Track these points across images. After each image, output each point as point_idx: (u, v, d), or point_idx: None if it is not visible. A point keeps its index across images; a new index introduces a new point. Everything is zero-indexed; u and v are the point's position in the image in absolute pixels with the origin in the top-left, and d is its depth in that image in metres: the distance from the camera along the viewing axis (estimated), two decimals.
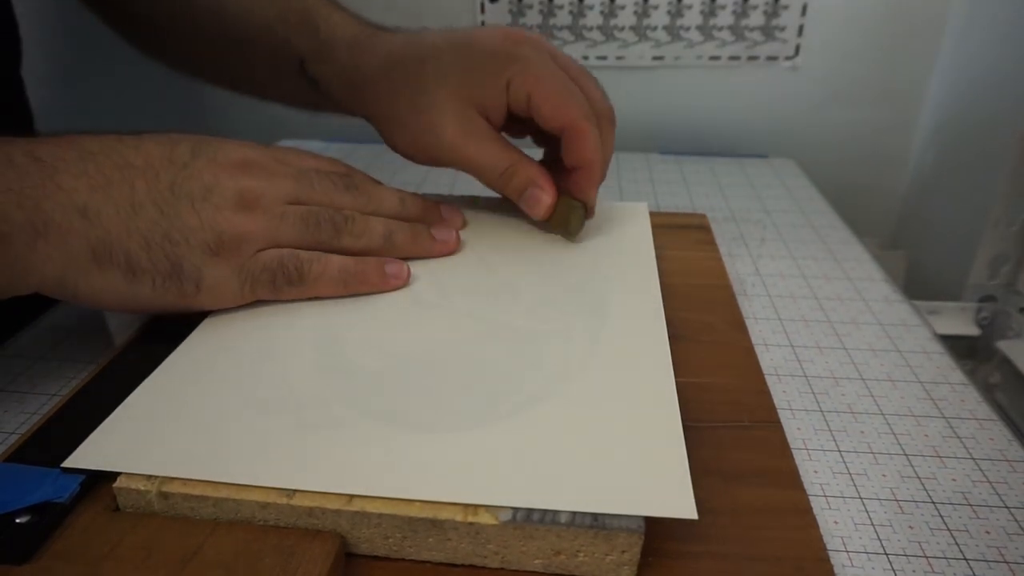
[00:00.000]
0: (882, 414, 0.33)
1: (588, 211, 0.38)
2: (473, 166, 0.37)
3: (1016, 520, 0.27)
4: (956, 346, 0.55)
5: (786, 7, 0.69)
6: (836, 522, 0.27)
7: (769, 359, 0.36)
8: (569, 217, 0.37)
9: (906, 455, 0.30)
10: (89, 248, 0.29)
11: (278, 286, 0.32)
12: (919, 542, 0.26)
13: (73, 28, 0.75)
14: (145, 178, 0.30)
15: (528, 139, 0.41)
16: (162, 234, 0.30)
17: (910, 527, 0.27)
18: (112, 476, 0.24)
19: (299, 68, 0.43)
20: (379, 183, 0.38)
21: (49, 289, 0.29)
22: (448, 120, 0.36)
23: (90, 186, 0.29)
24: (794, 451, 0.29)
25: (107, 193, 0.29)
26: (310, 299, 0.33)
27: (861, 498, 0.28)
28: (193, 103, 0.80)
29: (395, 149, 0.39)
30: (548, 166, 0.38)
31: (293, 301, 0.33)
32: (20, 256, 0.27)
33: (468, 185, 0.41)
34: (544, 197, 0.37)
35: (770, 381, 0.34)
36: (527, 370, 0.29)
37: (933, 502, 0.28)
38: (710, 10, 0.70)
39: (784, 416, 0.32)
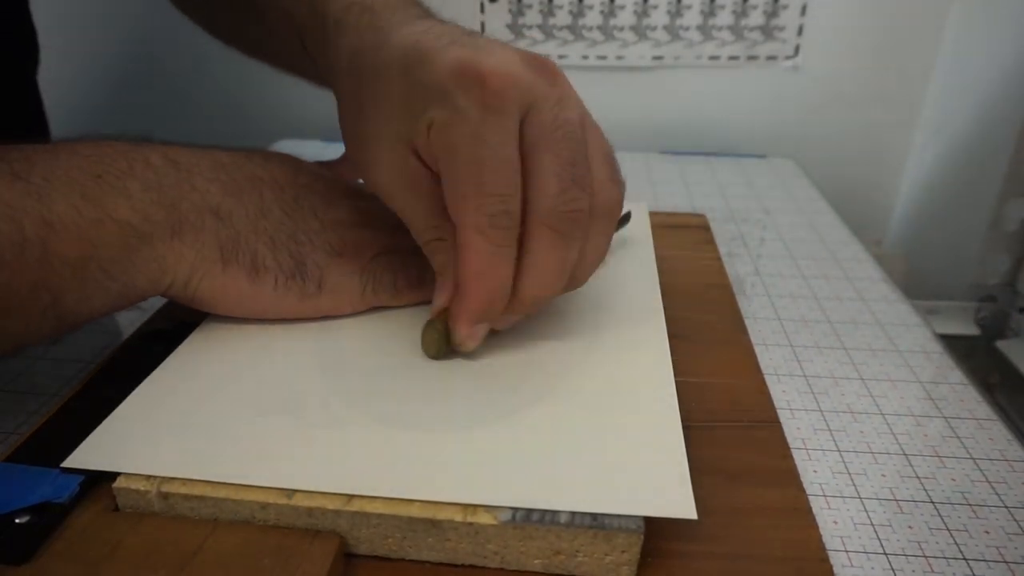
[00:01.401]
0: (881, 414, 0.33)
1: (460, 340, 0.29)
2: (403, 220, 0.30)
3: (1015, 520, 0.27)
4: (956, 346, 0.55)
5: (786, 7, 0.69)
6: (836, 522, 0.27)
7: (769, 359, 0.36)
8: (424, 331, 0.30)
9: (906, 455, 0.30)
10: (219, 247, 0.29)
11: (399, 289, 0.33)
12: (919, 542, 0.26)
13: (91, 35, 0.75)
14: (272, 189, 0.32)
15: None
16: (287, 234, 0.31)
17: (909, 527, 0.27)
18: (112, 476, 0.24)
19: (301, 42, 0.38)
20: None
21: (175, 291, 0.29)
22: (382, 160, 0.29)
23: (223, 190, 0.30)
24: (794, 451, 0.29)
25: (238, 197, 0.30)
26: None
27: (861, 498, 0.28)
28: (199, 106, 0.80)
29: None
30: None
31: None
32: (159, 255, 0.28)
33: None
34: (439, 297, 0.30)
35: (770, 381, 0.34)
36: (526, 370, 0.29)
37: (932, 502, 0.28)
38: (710, 10, 0.70)
39: (784, 416, 0.32)
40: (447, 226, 0.28)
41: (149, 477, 0.24)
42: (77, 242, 0.26)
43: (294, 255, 0.31)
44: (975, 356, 0.65)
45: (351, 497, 0.23)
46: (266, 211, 0.31)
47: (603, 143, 0.29)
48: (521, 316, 0.30)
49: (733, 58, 0.72)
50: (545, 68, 0.27)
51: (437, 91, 0.26)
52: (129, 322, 0.39)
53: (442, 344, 0.29)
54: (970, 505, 0.28)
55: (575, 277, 0.29)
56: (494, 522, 0.22)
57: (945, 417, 0.32)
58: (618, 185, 0.29)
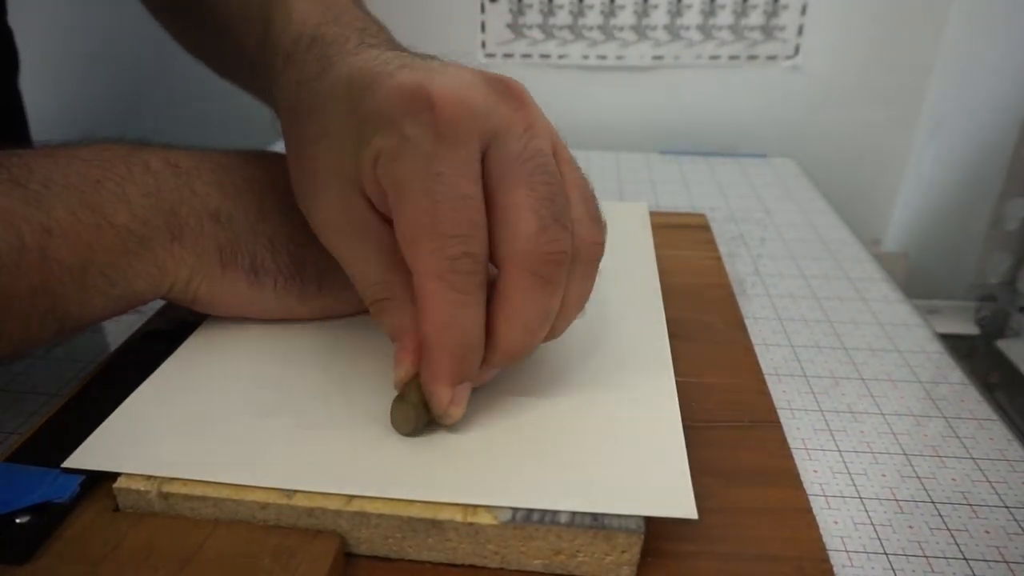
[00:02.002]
0: (882, 414, 0.33)
1: (441, 408, 0.25)
2: (345, 270, 0.27)
3: (1016, 520, 0.27)
4: (956, 346, 0.55)
5: (786, 7, 0.69)
6: (836, 522, 0.27)
7: (769, 359, 0.36)
8: (393, 408, 0.25)
9: (906, 455, 0.30)
10: (218, 250, 0.29)
11: None
12: (919, 542, 0.26)
13: (73, 37, 0.75)
14: (272, 191, 0.31)
15: None
16: (287, 236, 0.31)
17: (910, 527, 0.27)
18: (112, 476, 0.24)
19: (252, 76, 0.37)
20: None
21: (176, 293, 0.29)
22: (323, 201, 0.26)
23: (222, 194, 0.30)
24: (794, 451, 0.29)
25: (237, 201, 0.30)
26: None
27: (861, 498, 0.28)
28: (188, 109, 0.80)
29: None
30: None
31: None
32: (159, 260, 0.28)
33: None
34: (399, 366, 0.25)
35: (770, 381, 0.34)
36: (526, 371, 0.29)
37: (933, 502, 0.28)
38: (710, 10, 0.70)
39: (784, 416, 0.32)
40: (397, 283, 0.25)
41: (149, 477, 0.24)
42: (76, 248, 0.26)
43: (293, 257, 0.31)
44: (975, 356, 0.65)
45: (351, 497, 0.23)
46: (265, 214, 0.31)
47: (580, 176, 0.26)
48: (498, 370, 0.26)
49: (733, 58, 0.72)
50: (509, 92, 0.24)
51: (383, 119, 0.23)
52: (129, 322, 0.39)
53: (419, 417, 0.25)
54: (970, 505, 0.28)
55: (554, 327, 0.26)
56: (494, 522, 0.22)
57: (945, 417, 0.32)
58: (599, 224, 0.26)
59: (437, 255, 0.23)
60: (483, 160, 0.24)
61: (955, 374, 0.36)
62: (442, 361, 0.24)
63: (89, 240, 0.26)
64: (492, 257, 0.24)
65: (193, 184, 0.29)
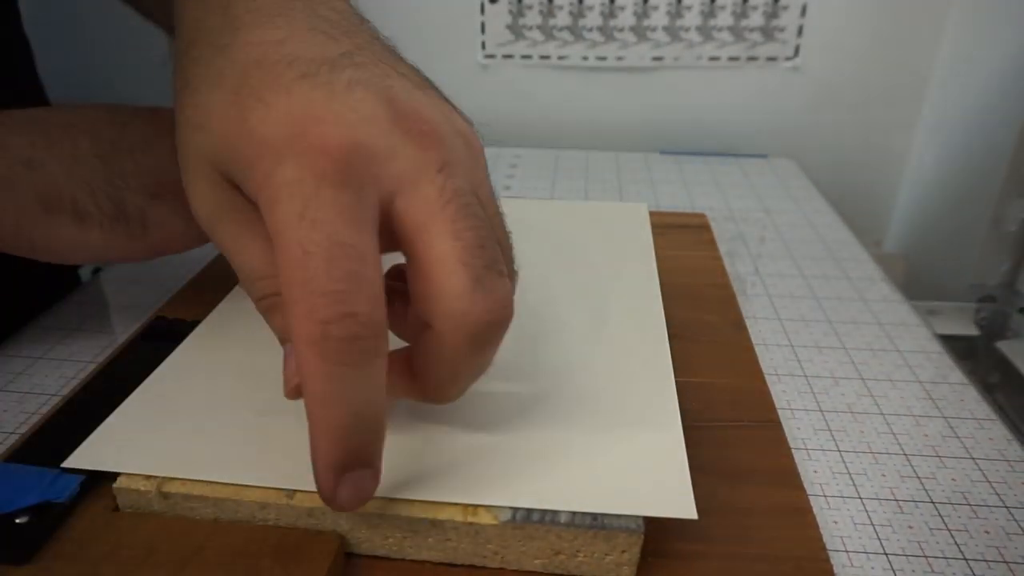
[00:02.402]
0: (882, 414, 0.33)
1: (327, 498, 0.21)
2: (228, 259, 0.24)
3: (1015, 520, 0.27)
4: (956, 346, 0.55)
5: (786, 7, 0.69)
6: (836, 522, 0.27)
7: (769, 359, 0.36)
8: None
9: (906, 455, 0.30)
10: (36, 196, 0.30)
11: None
12: (919, 542, 0.26)
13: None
14: (87, 135, 0.32)
15: None
16: (104, 179, 0.31)
17: (910, 527, 0.27)
18: (112, 476, 0.24)
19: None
20: None
21: (8, 242, 0.30)
22: (198, 186, 0.23)
23: (32, 143, 0.30)
24: (794, 451, 0.29)
25: (49, 149, 0.31)
26: None
27: (861, 498, 0.28)
28: None
29: None
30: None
31: None
32: None
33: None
34: (290, 372, 0.22)
35: (770, 381, 0.34)
36: (526, 370, 0.29)
37: (933, 502, 0.28)
38: (710, 11, 0.70)
39: (784, 416, 0.32)
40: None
41: (149, 477, 0.24)
42: None
43: (113, 199, 0.31)
44: (975, 356, 0.65)
45: None
46: (80, 158, 0.31)
47: (502, 222, 0.23)
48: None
49: (733, 59, 0.72)
50: (418, 129, 0.21)
51: (266, 147, 0.20)
52: (129, 322, 0.39)
53: None
54: (970, 505, 0.28)
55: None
56: (494, 522, 0.22)
57: (945, 417, 0.32)
58: (512, 279, 0.23)
59: (309, 318, 0.18)
60: (392, 212, 0.21)
61: (955, 374, 0.36)
62: (320, 444, 0.20)
63: None
64: (420, 314, 0.21)
65: (4, 139, 0.30)
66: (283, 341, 0.23)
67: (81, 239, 0.31)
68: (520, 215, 0.37)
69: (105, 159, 0.32)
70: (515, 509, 0.22)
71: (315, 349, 0.19)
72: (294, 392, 0.21)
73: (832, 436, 0.31)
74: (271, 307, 0.23)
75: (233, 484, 0.23)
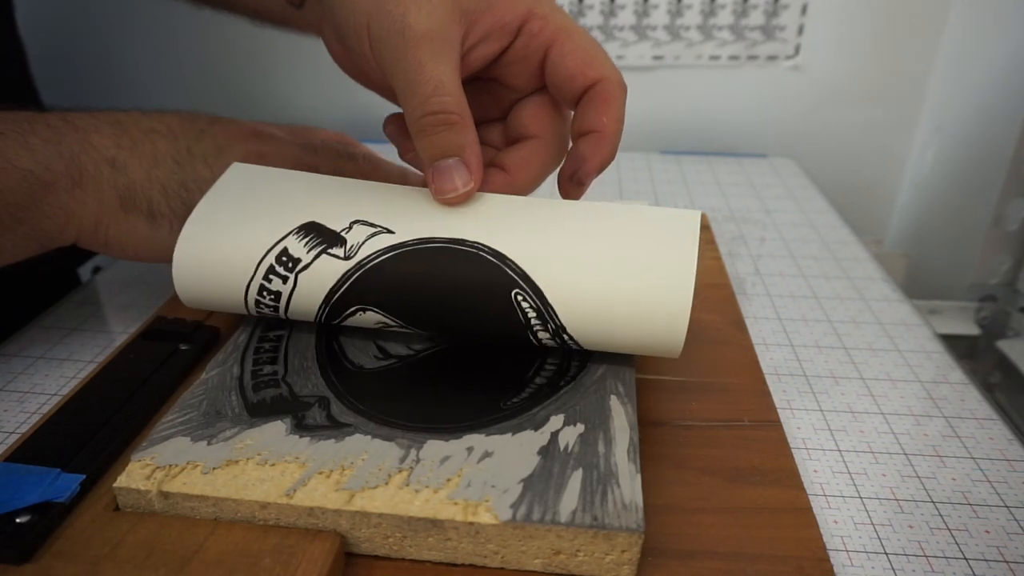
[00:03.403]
0: (882, 413, 0.33)
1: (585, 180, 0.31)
2: (410, 79, 0.28)
3: (1016, 519, 0.27)
4: (956, 346, 0.55)
5: (786, 7, 0.69)
6: (836, 522, 0.27)
7: (769, 359, 0.36)
8: None
9: (906, 454, 0.30)
10: (117, 195, 0.32)
11: None
12: (919, 541, 0.26)
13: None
14: (166, 140, 0.34)
15: None
16: (178, 183, 0.33)
17: (910, 526, 0.27)
18: (112, 476, 0.24)
19: None
20: (383, 159, 0.39)
21: (87, 237, 0.33)
22: (424, 10, 0.27)
23: (117, 144, 0.33)
24: (794, 451, 0.29)
25: (132, 150, 0.33)
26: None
27: (861, 497, 0.28)
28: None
29: (329, 44, 0.32)
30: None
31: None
32: (63, 203, 0.31)
33: None
34: (461, 181, 0.29)
35: (770, 381, 0.34)
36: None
37: (933, 501, 0.28)
38: (710, 10, 0.70)
39: (784, 416, 0.32)
40: (463, 105, 0.28)
41: (149, 477, 0.24)
42: None
43: (185, 202, 0.33)
44: (975, 356, 0.65)
45: (352, 496, 0.23)
46: (159, 161, 0.33)
47: None
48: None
49: (733, 58, 0.72)
50: None
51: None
52: (129, 322, 0.39)
53: None
54: (970, 505, 0.28)
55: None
56: (495, 521, 0.22)
57: (945, 417, 0.32)
58: None
59: (614, 66, 0.31)
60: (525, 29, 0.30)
61: (955, 374, 0.36)
62: (617, 143, 0.31)
63: None
64: (576, 84, 0.30)
65: (90, 137, 0.32)
66: (440, 154, 0.29)
67: (151, 238, 0.33)
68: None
69: (181, 163, 0.34)
70: (515, 508, 0.22)
71: (623, 85, 0.31)
72: (459, 199, 0.29)
73: (832, 436, 0.31)
74: (440, 123, 0.28)
75: (233, 484, 0.23)
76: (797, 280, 0.45)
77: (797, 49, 0.71)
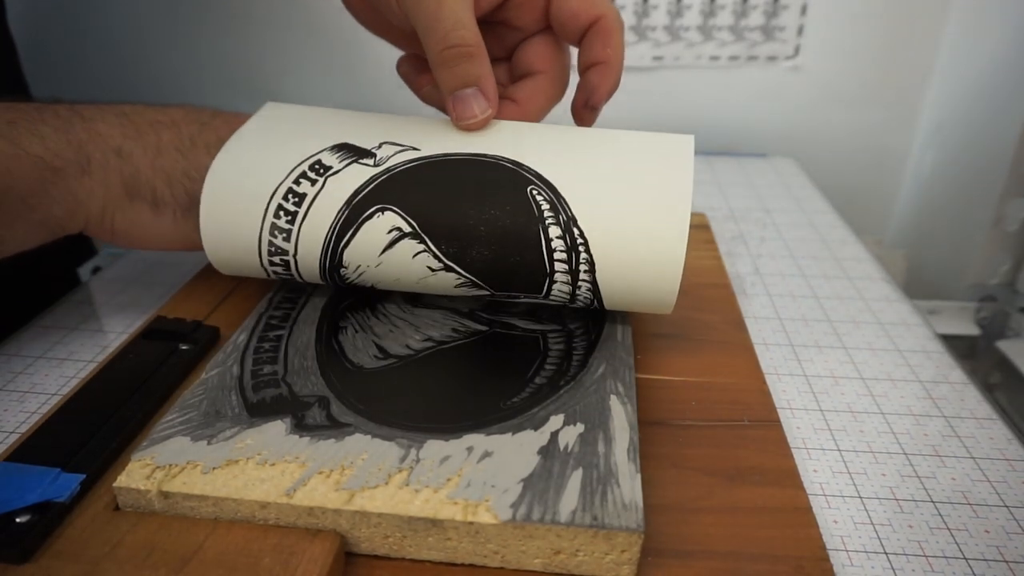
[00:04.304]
0: (882, 413, 0.33)
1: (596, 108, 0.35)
2: (431, 16, 0.31)
3: (1016, 519, 0.27)
4: (956, 346, 0.55)
5: (786, 7, 0.69)
6: (836, 521, 0.27)
7: (769, 359, 0.36)
8: None
9: (906, 454, 0.30)
10: (123, 183, 0.33)
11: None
12: (919, 541, 0.26)
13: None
14: (170, 130, 0.34)
15: None
16: (182, 172, 0.34)
17: (910, 526, 0.27)
18: (112, 475, 0.24)
19: None
20: None
21: (94, 225, 0.33)
22: None
23: (123, 134, 0.33)
24: (794, 450, 0.29)
25: (137, 140, 0.33)
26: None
27: (861, 497, 0.28)
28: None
29: None
30: None
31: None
32: (72, 190, 0.32)
33: None
34: (479, 108, 0.32)
35: (770, 380, 0.34)
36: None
37: (933, 501, 0.28)
38: (710, 10, 0.70)
39: (784, 416, 0.32)
40: (479, 39, 0.31)
41: (149, 477, 0.24)
42: None
43: (188, 191, 0.34)
44: (975, 356, 0.65)
45: (352, 496, 0.23)
46: (163, 151, 0.34)
47: None
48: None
49: (733, 58, 0.72)
50: None
51: None
52: (129, 322, 0.39)
53: None
54: (970, 504, 0.28)
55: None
56: (494, 521, 0.22)
57: (945, 416, 0.32)
58: None
59: (611, 4, 0.34)
60: None
61: (955, 374, 0.36)
62: (620, 74, 0.34)
63: (8, 167, 0.29)
64: (578, 20, 0.34)
65: (96, 126, 0.33)
66: (459, 84, 0.31)
67: (155, 226, 0.34)
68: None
69: (184, 153, 0.34)
70: (515, 508, 0.22)
71: (621, 21, 0.34)
72: (479, 124, 0.32)
73: (832, 436, 0.31)
74: (460, 55, 0.31)
75: (233, 483, 0.23)
76: (797, 280, 0.45)
77: (797, 50, 0.71)
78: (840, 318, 0.40)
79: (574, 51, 0.36)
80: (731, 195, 0.59)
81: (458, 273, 0.30)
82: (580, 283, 0.30)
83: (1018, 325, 0.62)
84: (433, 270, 0.30)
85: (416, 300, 0.34)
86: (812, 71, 0.72)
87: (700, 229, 0.48)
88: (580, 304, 0.31)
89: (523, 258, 0.29)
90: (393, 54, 0.38)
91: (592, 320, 0.33)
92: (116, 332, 0.38)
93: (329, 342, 0.31)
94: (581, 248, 0.29)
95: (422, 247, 0.30)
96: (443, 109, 0.34)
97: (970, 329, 0.65)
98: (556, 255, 0.29)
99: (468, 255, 0.30)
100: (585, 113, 0.35)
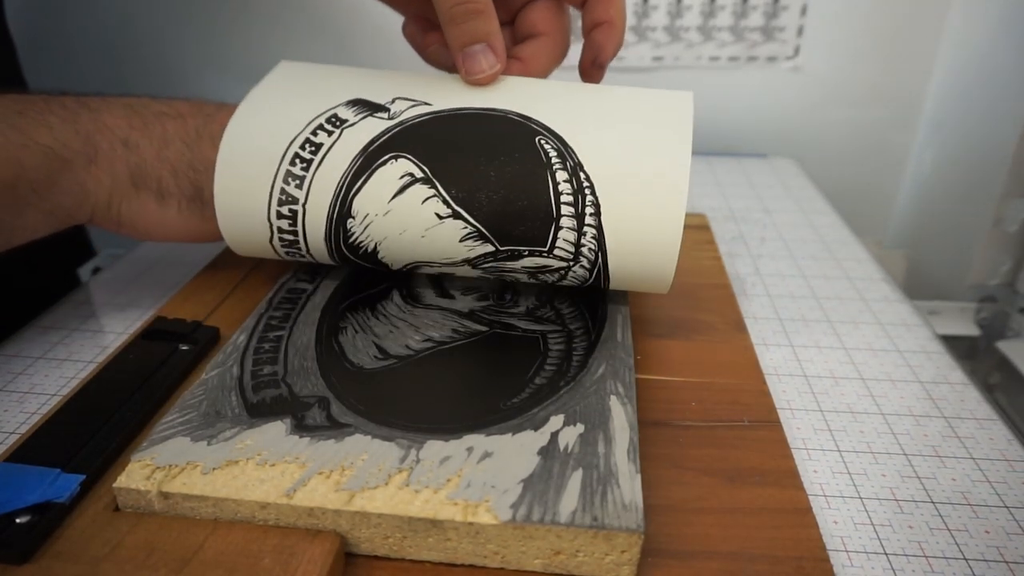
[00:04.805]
0: (882, 414, 0.33)
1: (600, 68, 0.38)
2: None
3: (1016, 520, 0.27)
4: (956, 346, 0.55)
5: (785, 7, 0.69)
6: (836, 522, 0.27)
7: (769, 359, 0.36)
8: None
9: (906, 455, 0.30)
10: (129, 173, 0.33)
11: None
12: (919, 542, 0.26)
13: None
14: (176, 122, 0.35)
15: None
16: (187, 163, 0.34)
17: (910, 527, 0.27)
18: (112, 476, 0.24)
19: None
20: None
21: (101, 214, 0.34)
22: None
23: (130, 125, 0.34)
24: (794, 451, 0.29)
25: (143, 131, 0.34)
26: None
27: (861, 498, 0.28)
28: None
29: None
30: None
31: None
32: (80, 180, 0.32)
33: None
34: (488, 63, 0.33)
35: (770, 381, 0.34)
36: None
37: (933, 502, 0.28)
38: (710, 11, 0.70)
39: (784, 416, 0.32)
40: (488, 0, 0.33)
41: (149, 477, 0.24)
42: (7, 164, 0.30)
43: (193, 182, 0.34)
44: (976, 356, 0.65)
45: (352, 497, 0.23)
46: (169, 142, 0.34)
47: None
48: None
49: (733, 59, 0.72)
50: None
51: None
52: (129, 322, 0.39)
53: None
54: (970, 505, 0.28)
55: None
56: (494, 522, 0.22)
57: (945, 417, 0.32)
58: None
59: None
60: None
61: (955, 374, 0.36)
62: (623, 33, 0.37)
63: (18, 157, 0.30)
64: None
65: (103, 117, 0.33)
66: (469, 41, 0.33)
67: (160, 216, 0.34)
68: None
69: (189, 144, 0.35)
70: (515, 508, 0.22)
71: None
72: (488, 79, 0.34)
73: (832, 436, 0.31)
74: (469, 13, 0.32)
75: (233, 484, 0.23)
76: (797, 280, 0.45)
77: (797, 50, 0.71)
78: (840, 318, 0.40)
79: (575, 15, 0.38)
80: (731, 195, 0.59)
81: (465, 221, 0.31)
82: (585, 229, 0.30)
83: (1018, 325, 0.63)
84: (441, 217, 0.31)
85: (416, 300, 0.34)
86: (812, 71, 0.72)
87: (700, 229, 0.48)
88: (583, 267, 0.31)
89: (531, 202, 0.30)
90: (392, 52, 0.39)
91: (592, 321, 0.33)
92: (116, 333, 0.38)
93: (329, 342, 0.31)
94: (587, 191, 0.30)
95: (432, 192, 0.31)
96: (448, 69, 0.36)
97: (970, 329, 0.65)
98: (563, 198, 0.30)
99: (477, 199, 0.31)
100: (593, 71, 0.37)
